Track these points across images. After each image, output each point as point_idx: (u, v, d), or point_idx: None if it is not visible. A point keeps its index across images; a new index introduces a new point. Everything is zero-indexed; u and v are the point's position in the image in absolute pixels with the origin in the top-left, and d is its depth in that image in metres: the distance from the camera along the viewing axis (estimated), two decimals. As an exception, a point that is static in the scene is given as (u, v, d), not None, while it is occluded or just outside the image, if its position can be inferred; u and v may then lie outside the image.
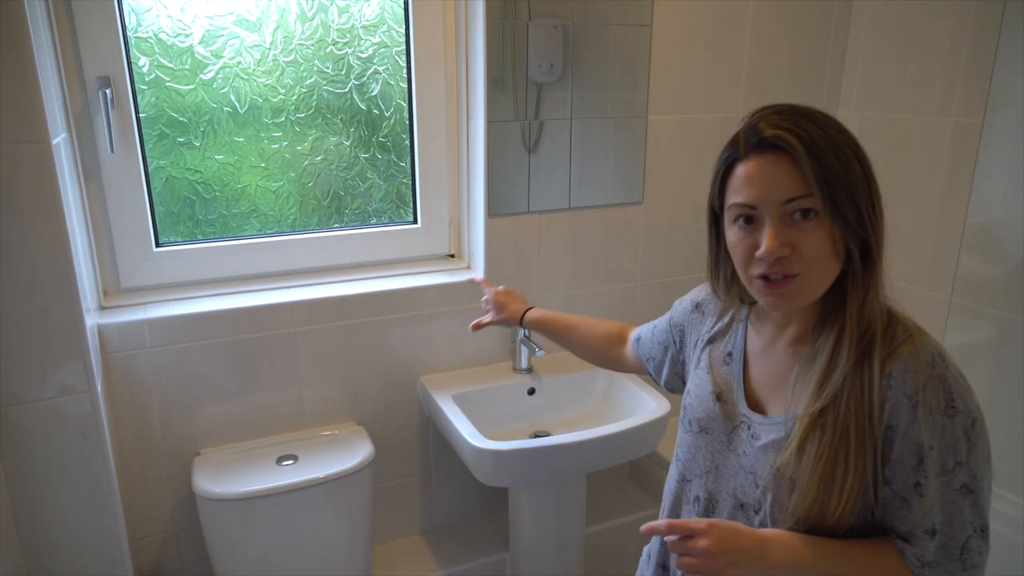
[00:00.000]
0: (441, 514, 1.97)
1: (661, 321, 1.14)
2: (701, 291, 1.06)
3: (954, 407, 0.76)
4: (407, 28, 1.70)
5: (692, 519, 0.81)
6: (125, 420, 1.56)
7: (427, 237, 1.86)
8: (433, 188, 1.82)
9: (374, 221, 1.82)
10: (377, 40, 1.69)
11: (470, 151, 1.77)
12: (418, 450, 1.87)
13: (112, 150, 1.49)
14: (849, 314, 0.80)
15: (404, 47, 1.72)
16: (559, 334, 1.32)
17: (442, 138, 1.79)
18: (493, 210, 1.75)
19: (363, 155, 1.76)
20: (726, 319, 0.99)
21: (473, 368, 1.85)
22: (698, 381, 0.98)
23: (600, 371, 1.84)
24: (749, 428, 0.89)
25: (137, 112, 1.53)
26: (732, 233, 0.83)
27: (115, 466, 1.38)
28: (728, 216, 0.83)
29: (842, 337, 0.80)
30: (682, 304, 1.09)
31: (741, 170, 0.80)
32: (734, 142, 0.82)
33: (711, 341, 0.99)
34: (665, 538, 0.82)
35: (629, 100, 1.82)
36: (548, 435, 1.71)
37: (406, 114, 1.76)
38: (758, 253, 0.79)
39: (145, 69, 1.52)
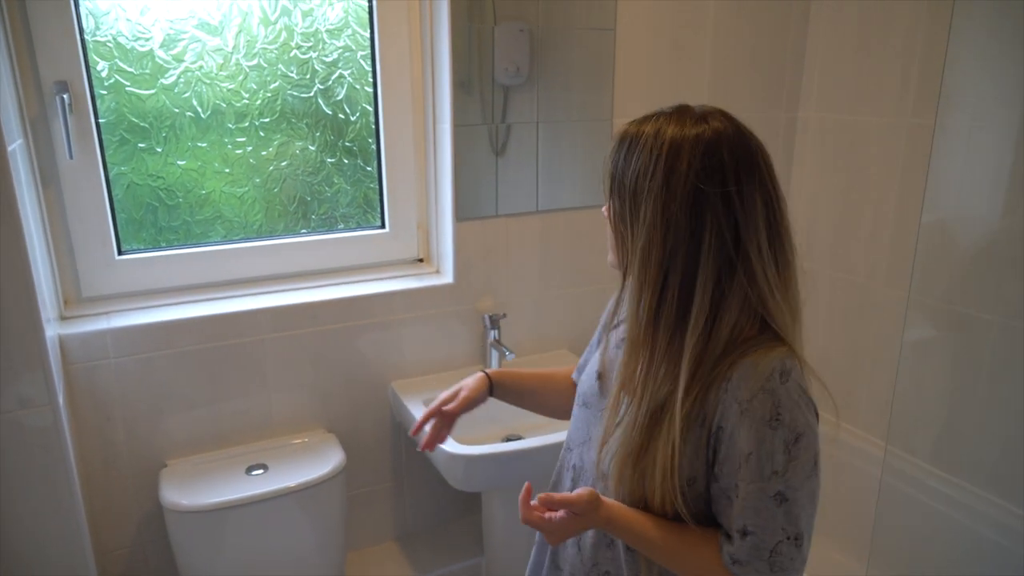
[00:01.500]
0: (414, 519, 1.96)
1: (592, 340, 1.14)
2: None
3: (778, 420, 0.79)
4: (372, 32, 1.69)
5: (573, 496, 0.85)
6: (88, 432, 1.52)
7: (395, 242, 1.85)
8: (400, 193, 1.82)
9: (341, 226, 1.81)
10: (342, 44, 1.68)
11: (437, 155, 1.76)
12: (390, 456, 1.86)
13: (71, 156, 1.46)
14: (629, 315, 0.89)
15: (369, 51, 1.71)
16: (525, 395, 1.19)
17: (409, 142, 1.78)
18: (461, 214, 1.75)
19: (329, 160, 1.75)
20: None
21: (444, 372, 1.84)
22: (592, 361, 1.04)
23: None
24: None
25: (96, 117, 1.50)
26: None
27: (78, 479, 1.35)
28: None
29: (701, 340, 0.84)
30: (607, 308, 1.07)
31: None
32: None
33: (616, 327, 1.03)
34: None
35: (594, 103, 1.84)
36: (520, 438, 1.71)
37: (372, 118, 1.76)
38: None
39: (104, 73, 1.49)
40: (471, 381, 1.15)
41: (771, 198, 0.83)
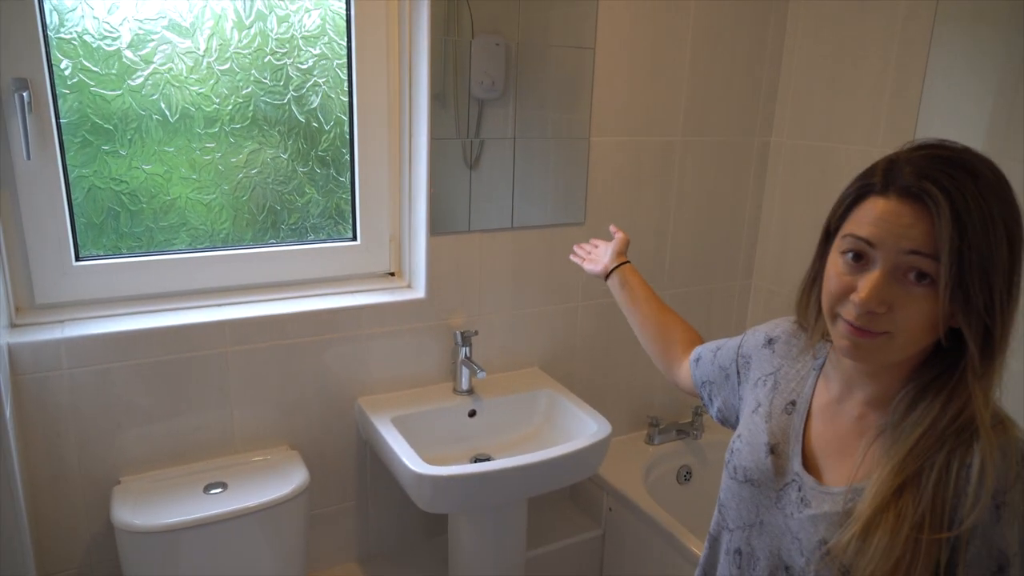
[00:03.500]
0: (378, 540, 1.91)
1: (728, 345, 1.03)
2: (777, 327, 0.97)
3: None
4: (349, 41, 1.66)
5: None
6: (36, 447, 1.44)
7: (366, 254, 1.81)
8: (373, 205, 1.78)
9: (311, 237, 1.76)
10: (318, 52, 1.65)
11: (412, 168, 1.74)
12: (355, 474, 1.81)
13: (28, 157, 1.40)
14: (977, 407, 0.71)
15: (346, 60, 1.68)
16: (631, 307, 1.24)
17: (383, 153, 1.75)
18: (435, 228, 1.72)
19: (301, 169, 1.71)
20: (799, 365, 0.91)
21: (412, 389, 1.80)
22: (752, 428, 0.90)
23: (541, 392, 1.82)
24: (800, 490, 0.82)
25: (58, 117, 1.43)
26: (836, 263, 0.76)
27: (24, 497, 1.28)
28: (840, 244, 0.76)
29: (941, 416, 0.72)
30: (755, 335, 0.99)
31: (874, 204, 0.73)
32: (874, 171, 0.75)
33: (776, 386, 0.91)
34: None
35: (571, 120, 1.83)
36: (489, 459, 1.68)
37: (346, 128, 1.72)
38: (853, 296, 0.73)
39: (68, 72, 1.43)
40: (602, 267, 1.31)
41: None
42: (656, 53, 1.89)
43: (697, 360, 1.08)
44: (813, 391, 0.88)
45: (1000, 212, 0.68)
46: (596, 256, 1.35)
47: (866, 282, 0.71)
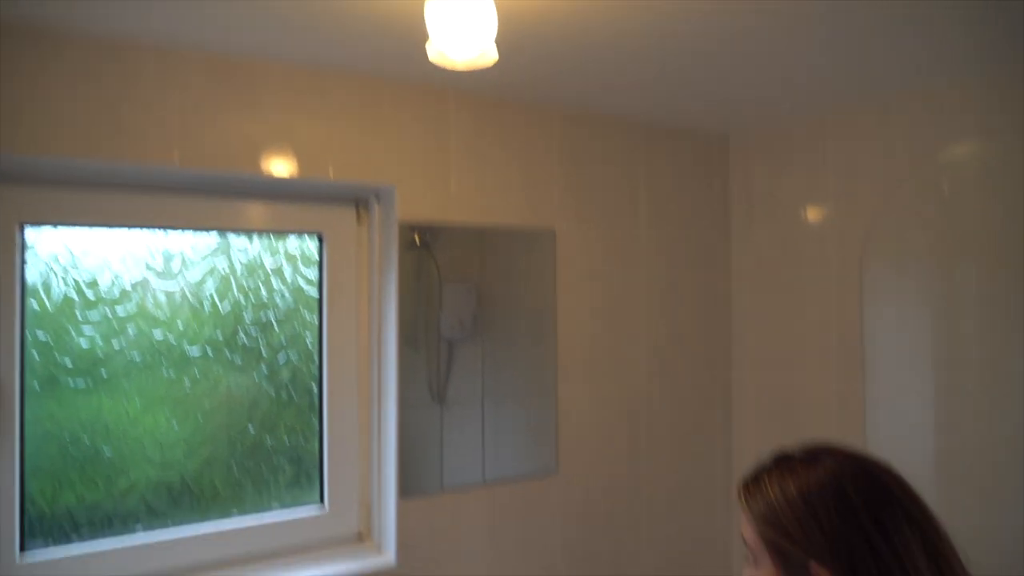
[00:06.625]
0: None
1: None
2: None
3: None
4: (320, 314, 1.73)
5: None
6: None
7: (334, 520, 1.74)
8: (342, 469, 1.74)
9: (276, 505, 1.70)
10: (290, 332, 1.71)
11: (381, 430, 1.73)
12: None
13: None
14: None
15: (316, 334, 1.74)
16: None
17: (353, 420, 1.75)
18: (405, 489, 1.67)
19: (270, 441, 1.69)
20: None
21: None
22: None
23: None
24: None
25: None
26: None
27: None
28: None
29: None
30: None
31: None
32: None
33: None
34: None
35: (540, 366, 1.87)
36: None
37: (316, 398, 1.74)
38: None
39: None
40: None
41: (920, 527, 0.79)
42: (616, 309, 1.99)
43: None
44: None
45: (817, 505, 0.79)
46: None
47: None
